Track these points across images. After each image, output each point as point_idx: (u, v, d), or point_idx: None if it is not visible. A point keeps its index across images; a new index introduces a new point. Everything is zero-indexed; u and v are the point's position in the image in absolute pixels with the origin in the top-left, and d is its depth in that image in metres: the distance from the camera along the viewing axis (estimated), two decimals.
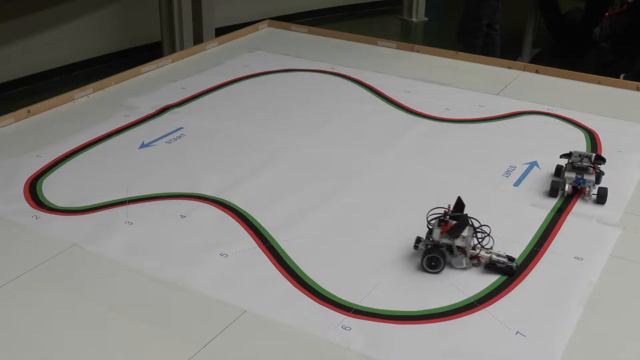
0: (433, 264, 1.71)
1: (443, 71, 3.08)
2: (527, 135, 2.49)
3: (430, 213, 1.77)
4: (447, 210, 1.76)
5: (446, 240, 1.71)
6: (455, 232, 1.70)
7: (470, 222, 1.73)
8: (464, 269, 1.72)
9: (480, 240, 1.74)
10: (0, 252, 1.79)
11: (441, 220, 1.74)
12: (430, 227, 1.75)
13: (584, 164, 2.06)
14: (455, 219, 1.74)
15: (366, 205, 2.03)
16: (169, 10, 4.58)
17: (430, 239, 1.74)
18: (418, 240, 1.77)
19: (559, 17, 5.42)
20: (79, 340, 1.50)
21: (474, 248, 1.73)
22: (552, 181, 2.09)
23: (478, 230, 1.74)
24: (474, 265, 1.73)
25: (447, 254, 1.72)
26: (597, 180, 2.08)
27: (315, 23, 5.37)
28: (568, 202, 2.04)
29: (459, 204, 1.78)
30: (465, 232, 1.70)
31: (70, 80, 4.56)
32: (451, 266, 1.72)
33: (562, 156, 2.14)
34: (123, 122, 2.53)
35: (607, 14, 4.90)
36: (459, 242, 1.71)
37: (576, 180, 2.05)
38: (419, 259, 1.74)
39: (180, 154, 2.32)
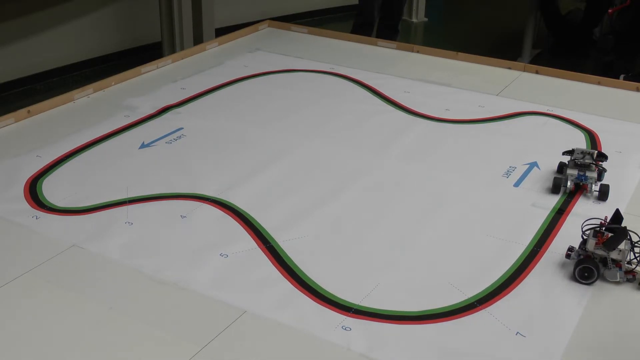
0: (586, 274, 1.66)
1: (443, 71, 3.08)
2: (527, 136, 2.49)
3: (586, 223, 1.73)
4: (603, 221, 1.73)
5: (601, 252, 1.66)
6: (612, 244, 1.65)
7: (628, 236, 1.67)
8: (618, 283, 1.68)
9: (637, 255, 1.68)
10: (0, 252, 1.79)
11: (597, 232, 1.69)
12: (585, 237, 1.70)
13: (586, 161, 2.06)
14: (612, 230, 1.68)
15: (366, 206, 2.03)
16: (169, 11, 4.57)
17: (584, 249, 1.69)
18: (570, 249, 1.73)
19: (559, 18, 5.42)
20: (79, 340, 1.50)
21: (629, 262, 1.68)
22: (555, 178, 2.10)
23: (636, 244, 1.68)
24: (629, 280, 1.68)
25: (600, 265, 1.67)
26: (599, 177, 2.09)
27: (315, 23, 5.38)
28: (568, 203, 2.04)
29: (617, 217, 1.74)
30: (622, 246, 1.65)
31: (70, 80, 4.56)
32: (604, 279, 1.68)
33: (564, 153, 2.15)
34: (123, 122, 2.53)
35: (610, 10, 4.88)
36: (614, 255, 1.66)
37: (578, 177, 2.06)
38: (570, 268, 1.71)
39: (180, 154, 2.32)
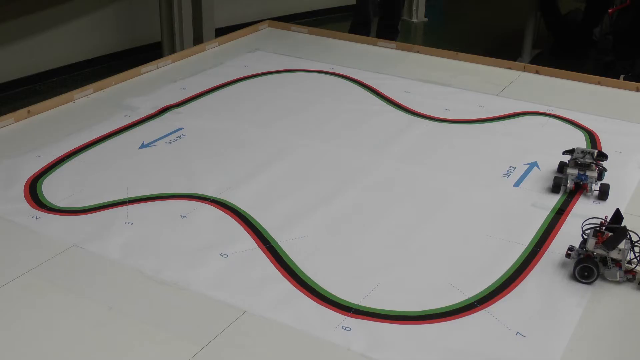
0: (586, 274, 1.66)
1: (443, 71, 3.08)
2: (527, 136, 2.49)
3: (586, 223, 1.73)
4: (603, 221, 1.73)
5: (600, 251, 1.66)
6: (611, 243, 1.64)
7: (628, 235, 1.67)
8: (618, 282, 1.68)
9: (637, 255, 1.68)
10: (0, 252, 1.79)
11: (597, 231, 1.69)
12: (585, 236, 1.70)
13: (587, 160, 2.06)
14: (612, 230, 1.68)
15: (366, 205, 2.03)
16: (169, 11, 4.57)
17: (584, 249, 1.69)
18: (571, 248, 1.73)
19: (559, 18, 5.42)
20: (79, 340, 1.50)
21: (629, 262, 1.68)
22: (555, 177, 2.10)
23: (636, 244, 1.68)
24: (629, 280, 1.68)
25: (600, 265, 1.67)
26: (600, 177, 2.09)
27: (315, 23, 5.36)
28: (568, 203, 2.04)
29: (617, 216, 1.74)
30: (622, 245, 1.65)
31: (70, 80, 4.56)
32: (604, 278, 1.68)
33: (564, 152, 2.15)
34: (123, 122, 2.53)
35: (610, 10, 4.88)
36: (614, 255, 1.66)
37: (578, 176, 2.06)
38: (570, 268, 1.71)
39: (180, 154, 2.32)
